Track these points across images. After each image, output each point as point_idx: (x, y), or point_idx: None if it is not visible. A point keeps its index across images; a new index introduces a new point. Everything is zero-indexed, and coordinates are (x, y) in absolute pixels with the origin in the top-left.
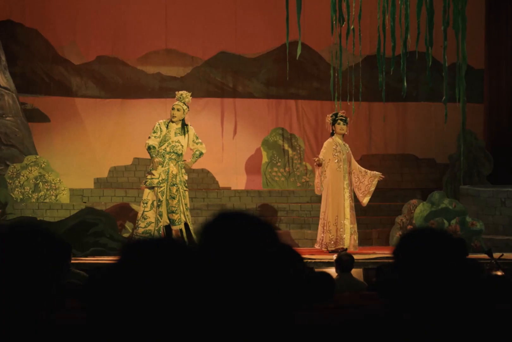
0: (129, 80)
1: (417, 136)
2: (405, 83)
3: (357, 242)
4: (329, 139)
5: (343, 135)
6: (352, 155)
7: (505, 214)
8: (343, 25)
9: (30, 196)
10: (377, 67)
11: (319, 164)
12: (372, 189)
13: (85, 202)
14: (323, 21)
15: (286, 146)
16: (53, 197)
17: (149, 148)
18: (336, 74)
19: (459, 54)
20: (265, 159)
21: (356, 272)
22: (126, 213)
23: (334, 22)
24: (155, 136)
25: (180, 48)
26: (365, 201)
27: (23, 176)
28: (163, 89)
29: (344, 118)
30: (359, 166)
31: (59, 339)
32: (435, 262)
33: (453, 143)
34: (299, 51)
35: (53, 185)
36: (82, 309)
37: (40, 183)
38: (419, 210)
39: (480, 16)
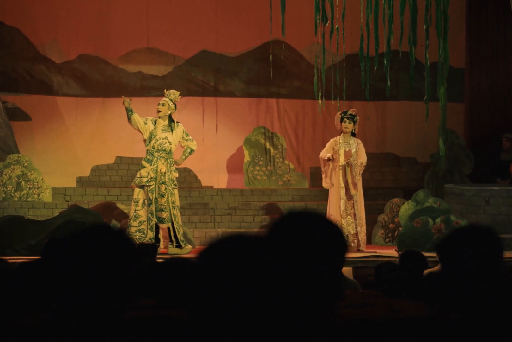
0: (111, 79)
1: (397, 135)
2: (389, 82)
3: (363, 238)
4: (332, 139)
5: (354, 133)
6: (356, 154)
7: (488, 212)
8: (327, 25)
9: (12, 194)
10: (358, 66)
11: (330, 159)
12: (350, 180)
13: (67, 201)
14: (304, 20)
15: (268, 145)
16: (36, 196)
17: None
18: (319, 73)
19: (441, 53)
20: (247, 158)
21: (346, 271)
22: (111, 211)
23: (317, 22)
24: (140, 117)
25: (161, 47)
26: (352, 192)
27: (6, 175)
28: (144, 88)
29: (351, 116)
30: (360, 162)
31: (130, 335)
32: (483, 260)
33: (434, 142)
34: (283, 50)
35: (36, 183)
36: (151, 305)
37: (23, 181)
38: (404, 208)
39: (461, 15)
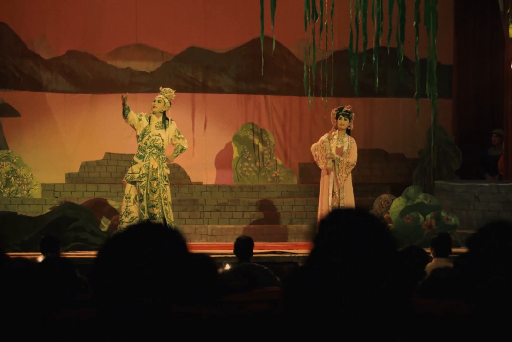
0: (99, 75)
1: (385, 131)
2: (377, 79)
3: None
4: (326, 133)
5: (349, 130)
6: (347, 152)
7: (478, 208)
8: (316, 21)
9: (1, 190)
10: (345, 62)
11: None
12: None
13: (57, 197)
14: (292, 17)
15: (256, 141)
16: (25, 192)
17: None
18: (309, 70)
19: (430, 50)
20: (236, 154)
21: None
22: (101, 207)
23: (307, 18)
24: (134, 112)
25: (150, 43)
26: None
27: None
28: (133, 84)
29: (346, 113)
30: (347, 161)
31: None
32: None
33: (422, 138)
34: (273, 47)
35: (25, 179)
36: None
37: (12, 177)
38: (395, 204)
39: (449, 11)
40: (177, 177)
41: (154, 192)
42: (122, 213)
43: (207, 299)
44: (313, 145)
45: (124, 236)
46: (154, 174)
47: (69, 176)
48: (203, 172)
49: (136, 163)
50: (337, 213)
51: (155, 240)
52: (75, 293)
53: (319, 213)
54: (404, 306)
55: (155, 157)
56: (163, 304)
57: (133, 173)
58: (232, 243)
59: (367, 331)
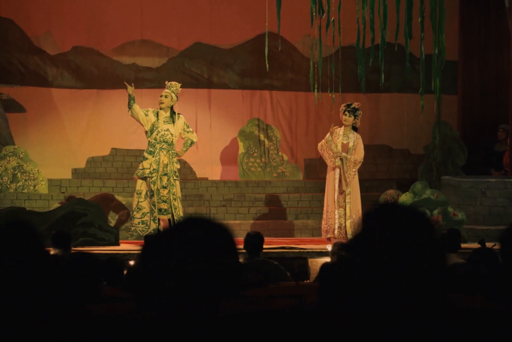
0: (105, 71)
1: (389, 127)
2: (383, 75)
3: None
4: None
5: (355, 127)
6: (353, 148)
7: (485, 204)
8: (323, 17)
9: (8, 186)
10: (350, 58)
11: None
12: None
13: (63, 192)
14: (297, 12)
15: (262, 137)
16: (32, 187)
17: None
18: (315, 66)
19: (437, 46)
20: (241, 150)
21: None
22: (108, 203)
23: (314, 14)
24: (140, 108)
25: (155, 39)
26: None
27: (1, 166)
28: (138, 79)
29: (352, 110)
30: (355, 158)
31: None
32: None
33: (427, 134)
34: (280, 44)
35: (32, 175)
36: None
37: (19, 173)
38: (402, 200)
39: (454, 7)
40: (183, 172)
41: (165, 187)
42: (133, 209)
43: (230, 293)
44: (319, 145)
45: (174, 231)
46: (165, 169)
47: (75, 171)
48: (209, 168)
49: (146, 159)
50: (385, 208)
51: (206, 235)
52: (100, 288)
53: (324, 208)
54: (443, 303)
55: (165, 153)
56: (205, 298)
57: (143, 168)
58: (238, 239)
59: (405, 328)
